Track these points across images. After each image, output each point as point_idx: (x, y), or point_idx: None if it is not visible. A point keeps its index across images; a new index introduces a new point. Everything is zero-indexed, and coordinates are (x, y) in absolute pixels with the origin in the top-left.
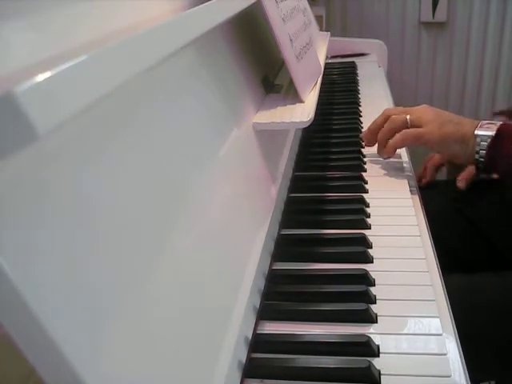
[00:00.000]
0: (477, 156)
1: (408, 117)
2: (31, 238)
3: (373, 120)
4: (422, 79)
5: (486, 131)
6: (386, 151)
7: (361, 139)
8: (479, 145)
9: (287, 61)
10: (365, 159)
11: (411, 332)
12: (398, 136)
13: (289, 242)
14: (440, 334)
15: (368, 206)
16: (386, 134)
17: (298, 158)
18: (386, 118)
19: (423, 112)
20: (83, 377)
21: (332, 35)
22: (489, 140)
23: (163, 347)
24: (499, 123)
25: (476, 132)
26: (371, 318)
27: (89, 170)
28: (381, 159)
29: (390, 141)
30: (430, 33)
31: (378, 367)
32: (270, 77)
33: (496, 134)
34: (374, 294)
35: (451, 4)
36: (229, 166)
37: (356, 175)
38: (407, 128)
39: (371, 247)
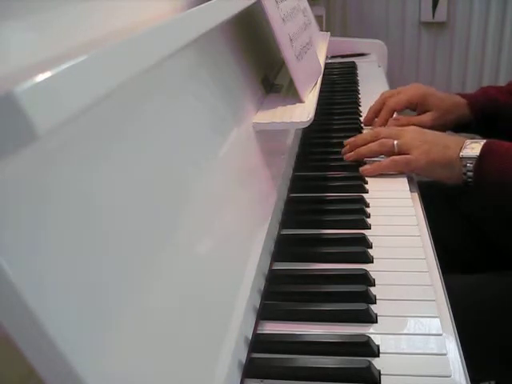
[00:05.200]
0: (464, 177)
1: (395, 142)
2: (31, 238)
3: None
4: (422, 79)
5: (471, 153)
6: (370, 171)
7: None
8: (465, 166)
9: (287, 61)
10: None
11: (411, 332)
12: (386, 162)
13: (289, 241)
14: (440, 334)
15: (368, 206)
16: (372, 153)
17: (297, 158)
18: (375, 135)
19: (410, 137)
20: (83, 377)
21: (332, 35)
22: (474, 162)
23: (163, 347)
24: (483, 142)
25: (461, 154)
26: (371, 318)
27: (89, 169)
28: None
29: (377, 165)
30: (430, 33)
31: (378, 367)
32: (269, 77)
33: (480, 155)
34: (374, 293)
35: (451, 4)
36: (229, 166)
37: (356, 175)
38: (394, 152)
39: (371, 247)
